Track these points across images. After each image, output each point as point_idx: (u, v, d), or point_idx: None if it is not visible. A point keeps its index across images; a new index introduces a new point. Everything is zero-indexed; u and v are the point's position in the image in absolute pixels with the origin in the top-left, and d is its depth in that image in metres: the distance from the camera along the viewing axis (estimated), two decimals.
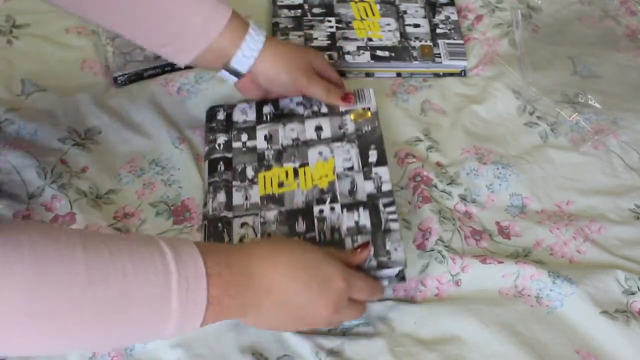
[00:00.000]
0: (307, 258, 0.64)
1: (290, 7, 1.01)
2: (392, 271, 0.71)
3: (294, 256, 0.64)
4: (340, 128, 0.83)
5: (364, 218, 0.74)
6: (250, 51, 0.78)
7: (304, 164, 0.80)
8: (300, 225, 0.75)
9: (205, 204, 0.79)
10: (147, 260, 0.55)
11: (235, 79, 0.81)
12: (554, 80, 0.93)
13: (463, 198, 0.83)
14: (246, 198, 0.78)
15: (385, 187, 0.77)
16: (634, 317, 0.72)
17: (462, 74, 0.96)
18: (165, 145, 0.86)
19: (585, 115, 0.89)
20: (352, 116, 0.84)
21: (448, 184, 0.84)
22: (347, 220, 0.74)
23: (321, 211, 0.76)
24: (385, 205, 0.75)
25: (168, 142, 0.86)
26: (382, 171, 0.78)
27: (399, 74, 0.96)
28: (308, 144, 0.82)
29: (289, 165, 0.80)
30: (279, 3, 1.01)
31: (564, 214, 0.82)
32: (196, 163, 0.84)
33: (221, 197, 0.79)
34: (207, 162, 0.83)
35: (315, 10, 1.01)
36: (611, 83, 0.93)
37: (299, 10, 1.01)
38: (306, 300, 0.63)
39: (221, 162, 0.82)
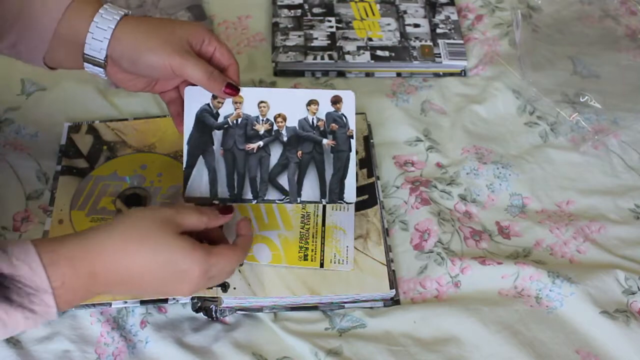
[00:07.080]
0: (161, 257, 0.60)
1: (290, 7, 1.01)
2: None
3: (147, 255, 0.59)
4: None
5: None
6: (100, 32, 0.66)
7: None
8: None
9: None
10: None
11: (100, 70, 0.69)
12: (554, 80, 0.93)
13: (463, 198, 0.83)
14: None
15: None
16: (634, 317, 0.72)
17: (462, 73, 0.96)
18: None
19: (585, 115, 0.89)
20: None
21: (448, 184, 0.84)
22: None
23: None
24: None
25: None
26: None
27: (399, 74, 0.96)
28: None
29: None
30: (279, 3, 1.01)
31: (564, 214, 0.82)
32: None
33: None
34: None
35: (315, 10, 1.00)
36: (611, 83, 0.93)
37: (299, 10, 1.00)
38: (162, 290, 0.64)
39: None
